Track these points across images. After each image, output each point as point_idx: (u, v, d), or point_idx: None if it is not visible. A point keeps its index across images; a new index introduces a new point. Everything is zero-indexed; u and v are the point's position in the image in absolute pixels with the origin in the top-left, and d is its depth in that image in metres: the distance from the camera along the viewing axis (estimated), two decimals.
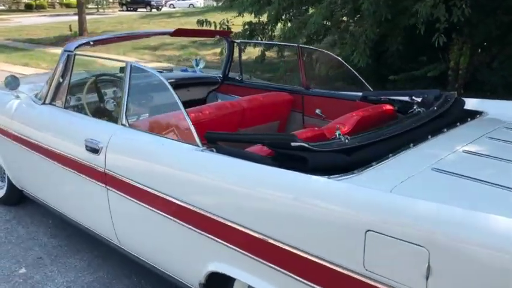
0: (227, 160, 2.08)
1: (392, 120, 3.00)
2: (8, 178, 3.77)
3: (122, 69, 3.63)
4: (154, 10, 38.50)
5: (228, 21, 7.11)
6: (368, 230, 1.50)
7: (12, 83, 3.45)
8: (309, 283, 1.71)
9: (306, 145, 1.89)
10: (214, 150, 2.17)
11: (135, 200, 2.42)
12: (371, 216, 1.52)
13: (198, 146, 2.21)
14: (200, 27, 7.04)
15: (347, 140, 2.06)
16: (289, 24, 6.75)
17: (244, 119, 3.34)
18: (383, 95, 3.23)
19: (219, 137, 2.26)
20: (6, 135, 3.46)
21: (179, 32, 3.59)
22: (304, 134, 2.47)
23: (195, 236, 2.13)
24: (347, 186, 1.67)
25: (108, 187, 2.57)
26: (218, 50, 14.67)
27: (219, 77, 4.27)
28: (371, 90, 3.37)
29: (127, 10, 40.29)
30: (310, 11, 6.28)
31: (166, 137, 2.39)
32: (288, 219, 1.78)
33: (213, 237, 2.06)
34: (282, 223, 1.81)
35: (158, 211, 2.30)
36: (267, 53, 7.07)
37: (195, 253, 2.19)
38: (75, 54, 3.04)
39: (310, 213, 1.70)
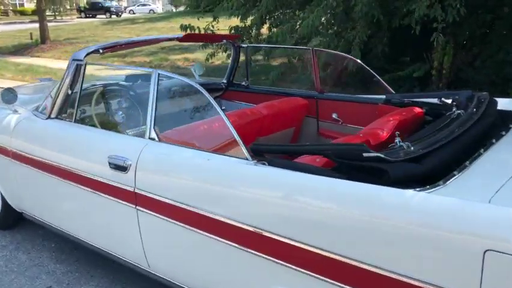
0: (284, 173, 1.92)
1: (422, 123, 2.92)
2: (3, 200, 3.46)
3: (129, 78, 3.42)
4: (113, 16, 37.67)
5: (213, 26, 6.92)
6: (487, 250, 1.37)
7: (9, 96, 3.16)
8: None
9: (382, 155, 1.75)
10: (266, 163, 2.00)
11: (173, 221, 2.22)
12: (489, 234, 1.39)
13: (247, 159, 2.03)
14: (184, 33, 6.84)
15: (412, 148, 1.94)
16: (274, 30, 6.64)
17: (262, 127, 3.18)
18: (407, 97, 3.14)
19: (269, 150, 2.10)
20: (3, 153, 3.17)
21: (188, 37, 3.40)
22: (347, 142, 2.35)
23: (252, 258, 1.96)
24: (450, 200, 1.53)
25: (138, 207, 2.35)
26: (189, 55, 14.52)
27: (223, 83, 4.09)
28: (394, 92, 3.27)
29: (86, 17, 39.25)
30: (297, 13, 6.18)
31: (207, 151, 2.20)
32: (367, 237, 1.64)
33: (274, 259, 1.89)
34: (357, 241, 1.66)
35: (203, 232, 2.11)
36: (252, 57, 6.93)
37: (252, 277, 2.01)
38: (86, 64, 2.80)
39: (403, 232, 1.56)
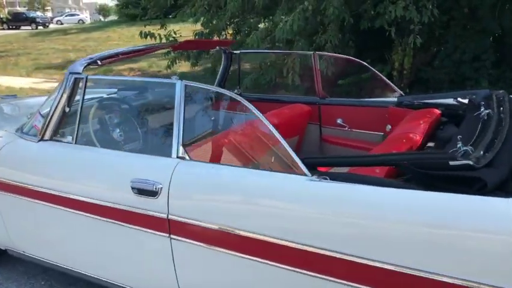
0: (353, 188, 1.76)
1: (438, 125, 2.86)
2: None
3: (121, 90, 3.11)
4: (40, 27, 35.80)
5: (175, 33, 6.62)
6: None
7: None
8: None
9: (471, 163, 1.63)
10: (328, 178, 1.83)
11: (219, 249, 1.98)
12: None
13: (305, 175, 1.85)
14: (144, 40, 6.52)
15: (481, 152, 1.84)
16: (238, 37, 6.48)
17: None
18: (420, 99, 3.08)
19: (324, 163, 1.93)
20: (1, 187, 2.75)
21: (185, 44, 3.16)
22: (383, 150, 2.22)
23: (318, 283, 1.77)
24: None
25: (173, 236, 2.08)
26: (133, 65, 13.99)
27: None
28: (402, 94, 3.21)
29: (9, 28, 36.96)
30: (266, 19, 6.05)
31: (255, 169, 1.99)
32: (472, 254, 1.51)
33: (346, 282, 1.72)
34: (463, 258, 1.53)
35: (259, 259, 1.89)
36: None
37: None
38: (87, 78, 2.48)
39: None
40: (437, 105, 2.96)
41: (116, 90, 3.13)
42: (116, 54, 2.73)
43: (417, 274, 1.57)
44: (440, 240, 1.55)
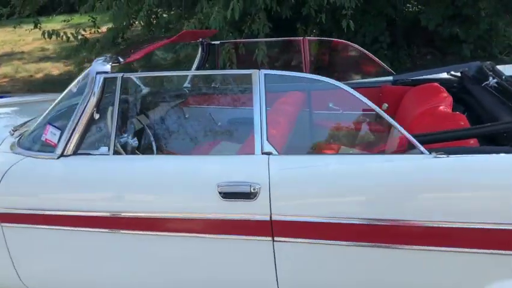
0: (475, 160, 1.82)
1: None
2: None
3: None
4: None
5: (85, 30, 5.97)
6: None
7: None
8: None
9: None
10: (444, 154, 1.86)
11: (334, 242, 1.89)
12: None
13: (423, 153, 1.85)
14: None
15: None
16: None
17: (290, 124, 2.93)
18: (414, 76, 3.25)
19: (435, 139, 1.95)
20: (10, 219, 2.20)
21: (182, 36, 2.88)
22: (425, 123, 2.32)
23: (458, 257, 1.80)
24: None
25: (277, 238, 1.92)
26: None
27: (187, 87, 3.59)
28: (394, 73, 3.35)
29: None
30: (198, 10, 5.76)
31: (364, 153, 1.93)
32: None
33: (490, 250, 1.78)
34: None
35: (387, 244, 1.85)
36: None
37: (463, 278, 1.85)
38: (123, 76, 2.13)
39: None
40: (431, 80, 3.16)
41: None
42: (136, 50, 2.38)
43: None
44: None
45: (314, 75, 2.08)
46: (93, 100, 2.14)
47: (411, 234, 1.81)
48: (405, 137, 1.86)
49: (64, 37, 5.86)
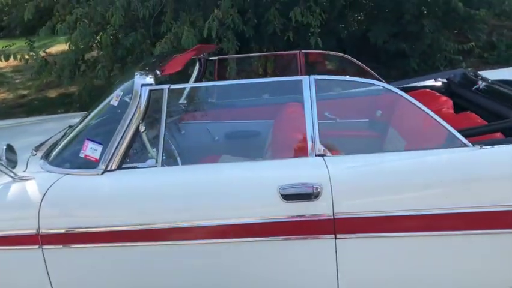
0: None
1: None
2: None
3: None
4: None
5: (45, 52, 5.70)
6: None
7: (11, 156, 2.11)
8: None
9: None
10: (483, 145, 2.06)
11: (390, 234, 2.02)
12: None
13: (467, 145, 2.04)
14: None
15: None
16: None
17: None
18: (404, 84, 3.49)
19: (474, 133, 2.15)
20: (22, 242, 2.08)
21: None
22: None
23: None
24: None
25: (339, 235, 2.01)
26: None
27: (183, 104, 3.60)
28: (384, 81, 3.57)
29: None
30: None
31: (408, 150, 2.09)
32: None
33: None
34: None
35: (438, 232, 2.00)
36: None
37: None
38: (170, 88, 2.14)
39: None
40: (419, 87, 3.43)
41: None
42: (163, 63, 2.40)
43: None
44: None
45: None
46: (139, 113, 2.13)
47: (468, 221, 1.98)
48: (449, 132, 2.04)
49: (22, 59, 5.59)
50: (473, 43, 6.74)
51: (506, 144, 2.05)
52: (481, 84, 3.03)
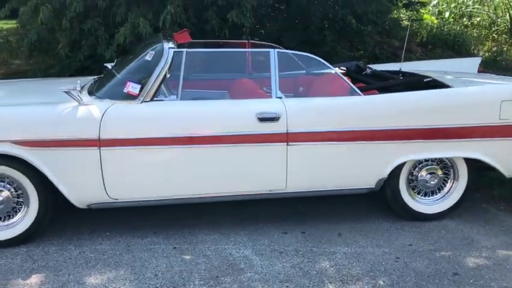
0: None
1: None
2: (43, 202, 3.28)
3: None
4: None
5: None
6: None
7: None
8: None
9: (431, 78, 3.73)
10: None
11: (321, 143, 3.46)
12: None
13: (360, 95, 3.56)
14: None
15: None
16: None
17: None
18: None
19: (367, 88, 3.71)
20: (87, 145, 3.18)
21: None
22: None
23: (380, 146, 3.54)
24: None
25: (290, 143, 3.40)
26: None
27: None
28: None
29: None
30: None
31: (331, 96, 3.57)
32: None
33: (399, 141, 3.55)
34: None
35: (346, 142, 3.49)
36: None
37: (379, 159, 3.56)
38: (187, 51, 3.41)
39: None
40: None
41: None
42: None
43: None
44: None
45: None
46: (167, 65, 3.34)
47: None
48: (351, 87, 3.54)
49: None
50: (361, 52, 8.60)
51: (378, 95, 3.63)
52: (368, 71, 4.65)
